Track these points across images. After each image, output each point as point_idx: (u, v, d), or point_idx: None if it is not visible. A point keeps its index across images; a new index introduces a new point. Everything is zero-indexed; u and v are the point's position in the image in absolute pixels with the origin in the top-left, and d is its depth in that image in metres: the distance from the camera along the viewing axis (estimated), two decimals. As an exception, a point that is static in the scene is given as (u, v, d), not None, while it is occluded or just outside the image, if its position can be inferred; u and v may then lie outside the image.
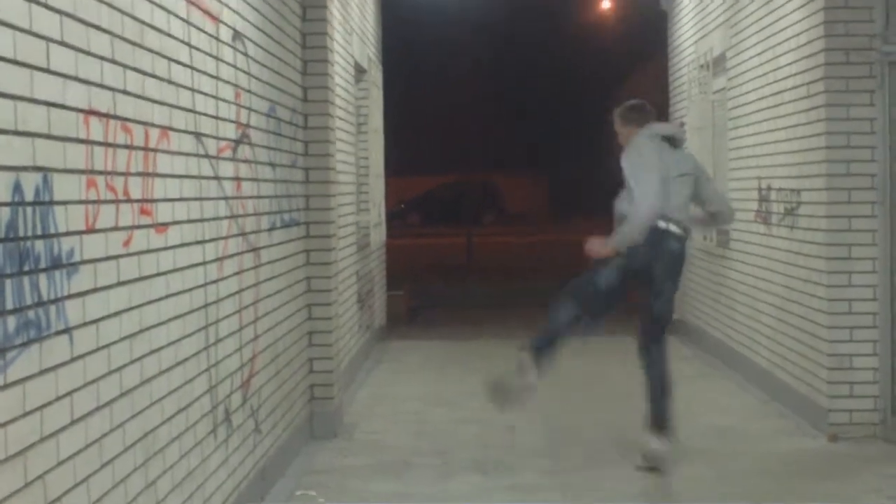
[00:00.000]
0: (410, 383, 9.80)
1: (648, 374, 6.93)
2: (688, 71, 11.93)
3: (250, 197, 5.96)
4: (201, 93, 5.07)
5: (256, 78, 6.19)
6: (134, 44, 4.18)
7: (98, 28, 3.84)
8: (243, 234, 5.79)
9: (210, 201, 5.18)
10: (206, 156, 5.14)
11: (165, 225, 4.52)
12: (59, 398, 3.48)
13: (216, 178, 5.29)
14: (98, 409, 3.79)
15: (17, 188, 3.23)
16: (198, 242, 4.97)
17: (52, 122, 3.46)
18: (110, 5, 3.95)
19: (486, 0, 32.93)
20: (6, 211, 3.16)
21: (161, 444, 4.41)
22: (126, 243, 4.07)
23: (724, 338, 10.34)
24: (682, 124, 12.09)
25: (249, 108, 6.01)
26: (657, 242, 6.76)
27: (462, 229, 28.23)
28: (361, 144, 10.93)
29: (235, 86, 5.71)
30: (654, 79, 19.58)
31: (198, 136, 5.01)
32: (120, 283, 4.01)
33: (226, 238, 5.44)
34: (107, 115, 3.90)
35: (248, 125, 5.96)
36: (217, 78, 5.35)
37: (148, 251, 4.30)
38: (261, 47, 6.32)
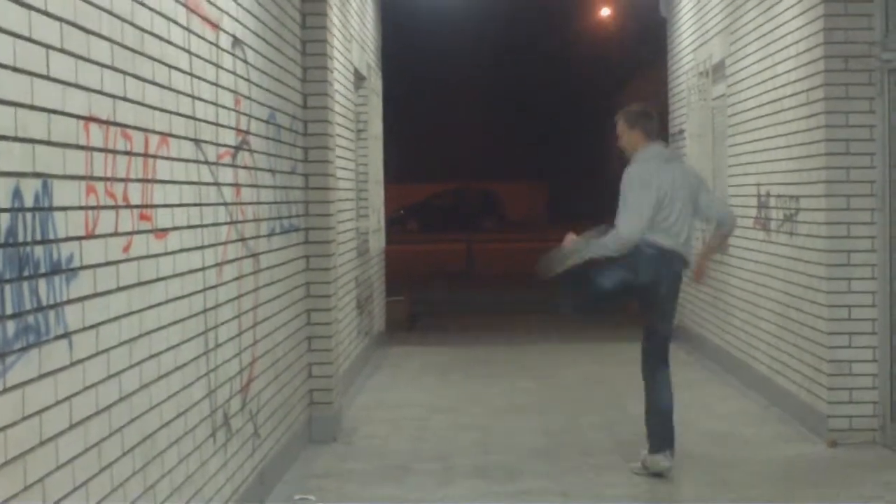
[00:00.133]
0: (410, 389, 9.81)
1: (656, 396, 6.86)
2: (687, 78, 11.95)
3: (250, 203, 5.97)
4: (201, 99, 5.09)
5: (256, 85, 6.21)
6: (134, 51, 4.20)
7: (98, 35, 3.86)
8: (243, 240, 5.81)
9: (209, 207, 5.19)
10: (206, 162, 5.16)
11: (165, 231, 4.53)
12: (58, 402, 3.49)
13: (216, 184, 5.31)
14: (97, 413, 3.80)
15: (17, 194, 3.24)
16: (197, 248, 4.98)
17: (52, 129, 3.48)
18: (110, 12, 3.97)
19: (486, 8, 32.98)
20: (6, 217, 3.18)
21: (160, 448, 4.42)
22: (125, 249, 4.08)
23: (723, 344, 10.35)
24: (682, 132, 12.11)
25: (249, 115, 6.03)
26: (665, 264, 6.78)
27: (461, 236, 28.24)
28: (361, 151, 10.95)
29: (235, 92, 5.73)
30: (654, 86, 19.58)
31: (197, 142, 5.02)
32: (119, 289, 4.02)
33: (225, 244, 5.45)
34: (107, 122, 3.91)
35: (247, 132, 5.98)
36: (217, 85, 5.37)
37: (147, 257, 4.32)
38: (260, 54, 6.34)
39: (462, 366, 11.00)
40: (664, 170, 6.86)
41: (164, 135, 4.55)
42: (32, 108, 3.35)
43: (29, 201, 3.31)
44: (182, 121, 4.79)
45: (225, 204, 5.46)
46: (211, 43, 5.28)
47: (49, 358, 3.43)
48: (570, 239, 6.90)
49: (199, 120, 5.05)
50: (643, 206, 6.72)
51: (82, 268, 3.69)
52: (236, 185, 5.69)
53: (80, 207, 3.68)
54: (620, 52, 35.44)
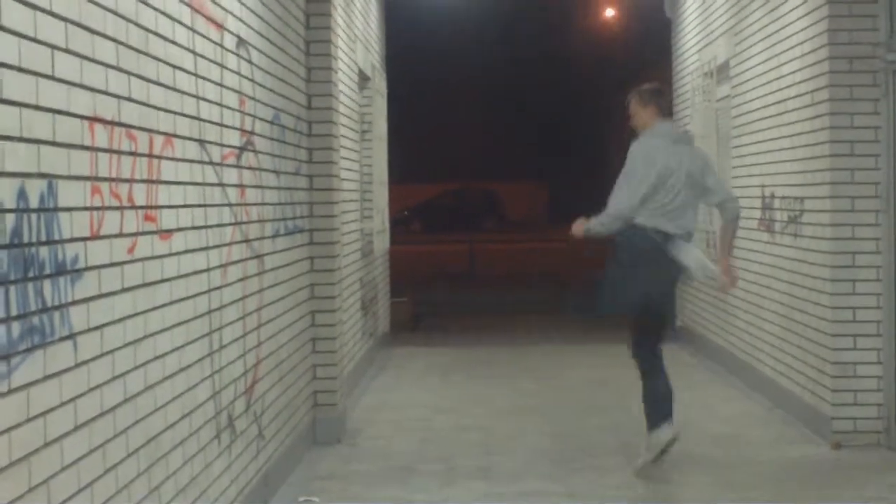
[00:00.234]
0: (414, 390, 9.81)
1: (656, 376, 6.87)
2: (691, 79, 11.94)
3: (254, 204, 5.97)
4: (206, 100, 5.08)
5: (260, 85, 6.21)
6: (139, 51, 4.20)
7: (103, 35, 3.85)
8: (247, 241, 5.80)
9: (214, 208, 5.19)
10: (211, 163, 5.15)
11: (169, 231, 4.53)
12: (63, 404, 3.49)
13: (220, 184, 5.30)
14: (102, 414, 3.80)
15: (22, 195, 3.24)
16: (202, 249, 4.98)
17: (56, 129, 3.47)
18: (115, 13, 3.97)
19: (490, 9, 32.98)
20: (11, 217, 3.17)
21: (164, 449, 4.42)
22: (130, 250, 4.08)
23: (727, 345, 10.33)
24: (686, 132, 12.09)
25: (254, 116, 6.02)
26: (669, 250, 6.79)
27: (464, 236, 28.23)
28: (365, 152, 10.95)
29: (239, 93, 5.72)
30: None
31: (202, 143, 5.02)
32: (124, 290, 4.01)
33: (229, 245, 5.45)
34: (111, 123, 3.91)
35: (252, 132, 5.97)
36: (221, 85, 5.36)
37: (152, 258, 4.31)
38: (265, 55, 6.33)
39: (465, 367, 11.00)
40: (671, 150, 6.87)
41: (169, 135, 4.54)
42: (37, 108, 3.34)
43: (34, 202, 3.31)
44: (186, 121, 4.79)
45: (229, 205, 5.45)
46: (215, 43, 5.28)
47: (54, 359, 3.43)
48: (579, 223, 6.99)
49: (204, 120, 5.05)
50: (640, 183, 6.74)
51: (87, 269, 3.69)
52: (241, 186, 5.69)
53: (85, 208, 3.68)
54: (624, 53, 35.44)
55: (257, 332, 6.00)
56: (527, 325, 14.38)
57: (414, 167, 40.95)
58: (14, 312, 3.17)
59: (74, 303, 3.58)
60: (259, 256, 6.06)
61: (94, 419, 3.72)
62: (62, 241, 3.49)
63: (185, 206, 4.73)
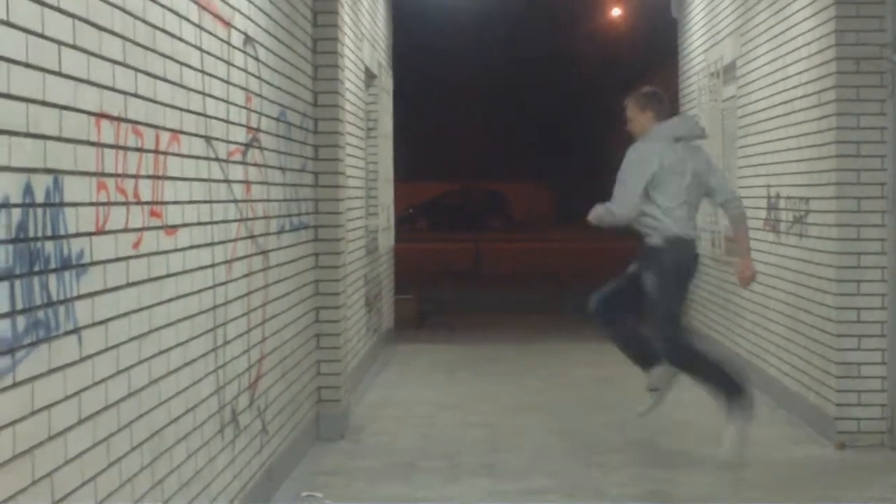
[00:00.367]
0: (418, 386, 9.82)
1: (629, 333, 7.13)
2: (698, 79, 11.94)
3: (260, 200, 5.98)
4: (212, 97, 5.10)
5: (267, 82, 6.22)
6: (146, 48, 4.21)
7: (110, 32, 3.87)
8: (252, 237, 5.82)
9: (220, 204, 5.20)
10: (217, 159, 5.17)
11: (175, 227, 4.54)
12: (67, 398, 3.50)
13: (226, 181, 5.32)
14: (106, 408, 3.81)
15: (28, 189, 3.25)
16: (207, 245, 4.99)
17: (63, 125, 3.49)
18: (123, 9, 3.98)
19: (496, 8, 32.95)
20: (17, 212, 3.19)
21: (168, 444, 4.43)
22: (136, 245, 4.10)
23: (732, 345, 10.34)
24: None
25: (260, 113, 6.04)
26: (684, 252, 7.00)
27: (469, 235, 28.24)
28: (371, 149, 10.96)
29: (246, 90, 5.74)
30: (665, 86, 19.57)
31: (208, 139, 5.03)
32: (129, 285, 4.03)
33: (235, 241, 5.47)
34: (118, 118, 3.93)
35: (258, 129, 5.99)
36: (228, 82, 5.38)
37: (157, 253, 4.33)
38: (272, 52, 6.35)
39: (470, 364, 11.01)
40: (671, 148, 6.92)
41: (175, 132, 4.56)
42: (44, 104, 3.36)
43: (40, 197, 3.32)
44: (193, 118, 4.80)
45: (235, 201, 5.47)
46: (222, 40, 5.29)
47: (59, 353, 3.45)
48: (596, 209, 7.12)
49: (210, 117, 5.06)
50: (637, 185, 6.87)
51: (92, 263, 3.70)
52: (246, 183, 5.70)
53: (91, 203, 3.69)
54: (631, 53, 35.41)
55: (262, 327, 6.01)
56: (532, 322, 14.38)
57: (420, 165, 40.96)
58: (19, 307, 3.19)
59: (79, 297, 3.59)
60: (264, 252, 6.08)
61: (98, 413, 3.74)
62: (68, 236, 3.51)
63: (190, 202, 4.75)
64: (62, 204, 3.47)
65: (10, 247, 3.15)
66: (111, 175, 3.86)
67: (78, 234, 3.58)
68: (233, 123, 5.46)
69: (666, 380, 7.08)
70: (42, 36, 3.35)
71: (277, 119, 6.48)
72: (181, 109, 4.64)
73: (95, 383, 3.72)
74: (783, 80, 8.58)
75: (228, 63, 5.39)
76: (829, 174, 7.54)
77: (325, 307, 7.72)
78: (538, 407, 8.91)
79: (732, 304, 10.29)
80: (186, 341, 4.67)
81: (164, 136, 4.42)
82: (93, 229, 3.70)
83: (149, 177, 4.23)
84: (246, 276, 5.67)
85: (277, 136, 6.47)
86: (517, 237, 34.46)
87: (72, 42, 3.56)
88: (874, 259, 7.38)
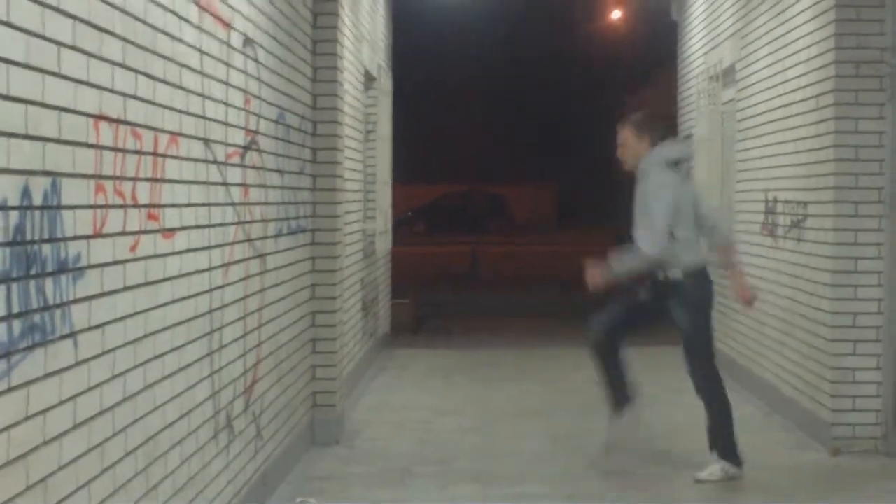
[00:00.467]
0: (414, 391, 9.80)
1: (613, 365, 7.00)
2: (697, 82, 11.93)
3: (257, 203, 5.97)
4: (211, 99, 5.08)
5: (266, 84, 6.20)
6: (146, 49, 4.19)
7: (111, 33, 3.85)
8: (249, 241, 5.80)
9: (217, 207, 5.19)
10: (215, 162, 5.15)
11: (172, 230, 4.53)
12: (62, 402, 3.49)
13: (224, 184, 5.30)
14: (101, 413, 3.80)
15: (26, 192, 3.24)
16: (204, 248, 4.98)
17: (62, 127, 3.47)
18: (123, 11, 3.97)
19: (496, 10, 32.96)
20: (14, 214, 3.17)
21: (163, 449, 4.42)
22: (133, 248, 4.08)
23: (727, 349, 10.32)
24: (690, 136, 12.09)
25: (259, 115, 6.02)
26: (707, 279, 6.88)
27: (467, 239, 28.23)
28: (369, 152, 10.95)
29: (245, 92, 5.72)
30: (664, 89, 19.58)
31: (207, 141, 5.01)
32: (126, 288, 4.01)
33: (232, 244, 5.45)
34: (117, 121, 3.91)
35: (257, 131, 5.97)
36: (227, 84, 5.36)
37: (154, 256, 4.31)
38: (271, 54, 6.33)
39: (467, 369, 10.99)
40: (678, 174, 6.85)
41: (174, 134, 4.54)
42: (44, 105, 3.34)
43: (38, 199, 3.31)
44: (192, 120, 4.78)
45: (233, 204, 5.45)
46: (222, 42, 5.28)
47: (54, 357, 3.43)
48: (594, 274, 6.80)
49: (209, 119, 5.05)
50: (665, 220, 6.68)
51: (89, 267, 3.68)
52: (244, 186, 5.69)
53: (89, 206, 3.68)
54: (630, 55, 35.42)
55: (258, 331, 6.00)
56: (530, 327, 14.37)
57: (419, 167, 40.97)
58: (15, 310, 3.17)
59: (76, 301, 3.58)
60: (261, 256, 6.06)
61: (93, 418, 3.72)
62: (65, 239, 3.49)
63: (188, 205, 4.73)
64: (60, 206, 3.45)
65: (7, 250, 3.13)
66: (109, 177, 3.84)
67: (75, 237, 3.57)
68: (231, 126, 5.44)
69: (629, 435, 6.94)
70: (42, 37, 3.33)
71: (276, 121, 6.47)
72: (180, 111, 4.62)
73: (91, 388, 3.71)
74: (782, 83, 8.57)
75: (228, 65, 5.37)
76: (827, 178, 7.53)
77: (321, 311, 7.70)
78: (536, 412, 8.89)
79: (728, 308, 10.28)
80: (182, 345, 4.66)
81: (163, 139, 4.40)
82: (90, 232, 3.69)
83: (147, 179, 4.21)
84: (243, 279, 5.65)
85: (276, 138, 6.46)
86: (517, 240, 34.46)
87: (72, 43, 3.54)
88: (870, 264, 7.38)
